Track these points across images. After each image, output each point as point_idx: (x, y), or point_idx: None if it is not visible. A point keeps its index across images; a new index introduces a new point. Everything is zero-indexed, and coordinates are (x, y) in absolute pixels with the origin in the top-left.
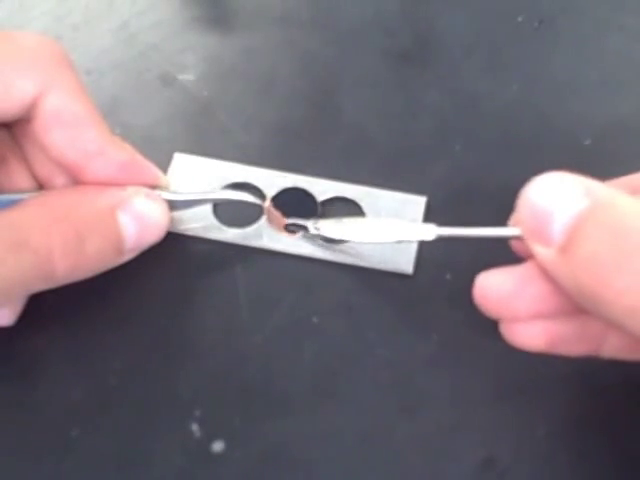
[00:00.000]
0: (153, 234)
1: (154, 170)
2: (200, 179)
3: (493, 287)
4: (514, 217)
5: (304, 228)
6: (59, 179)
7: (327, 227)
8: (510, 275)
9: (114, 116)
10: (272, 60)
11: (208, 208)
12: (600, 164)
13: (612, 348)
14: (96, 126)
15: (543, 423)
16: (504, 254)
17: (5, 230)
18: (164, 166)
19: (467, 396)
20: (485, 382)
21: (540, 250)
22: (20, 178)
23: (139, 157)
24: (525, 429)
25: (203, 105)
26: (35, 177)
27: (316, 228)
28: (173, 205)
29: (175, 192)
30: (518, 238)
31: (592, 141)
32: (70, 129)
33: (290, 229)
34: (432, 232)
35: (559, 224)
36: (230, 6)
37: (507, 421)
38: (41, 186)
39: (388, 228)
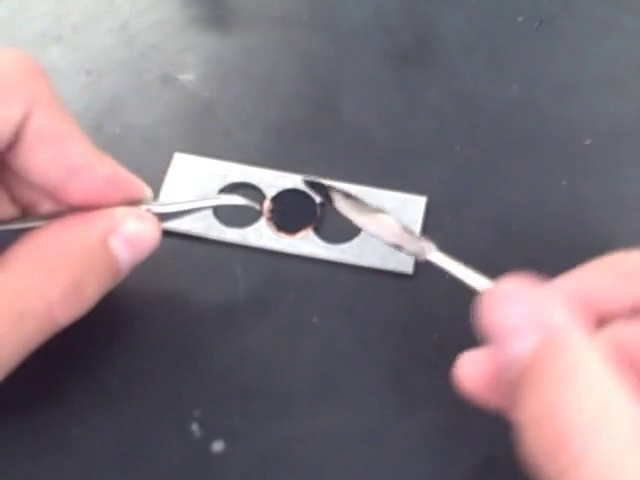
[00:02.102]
0: (145, 252)
1: (139, 183)
2: (200, 179)
3: (468, 375)
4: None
5: (322, 187)
6: (43, 205)
7: (341, 201)
8: (486, 364)
9: (114, 116)
10: (272, 60)
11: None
12: (600, 164)
13: None
14: (81, 141)
15: None
16: (505, 255)
17: (4, 303)
18: (164, 166)
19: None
20: None
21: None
22: (2, 207)
23: (123, 171)
24: None
25: (203, 105)
26: (19, 204)
27: (334, 195)
28: (165, 217)
29: (165, 204)
30: None
31: (592, 141)
32: (55, 146)
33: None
34: (427, 253)
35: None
36: (230, 6)
37: (507, 421)
38: (25, 213)
39: (391, 230)
